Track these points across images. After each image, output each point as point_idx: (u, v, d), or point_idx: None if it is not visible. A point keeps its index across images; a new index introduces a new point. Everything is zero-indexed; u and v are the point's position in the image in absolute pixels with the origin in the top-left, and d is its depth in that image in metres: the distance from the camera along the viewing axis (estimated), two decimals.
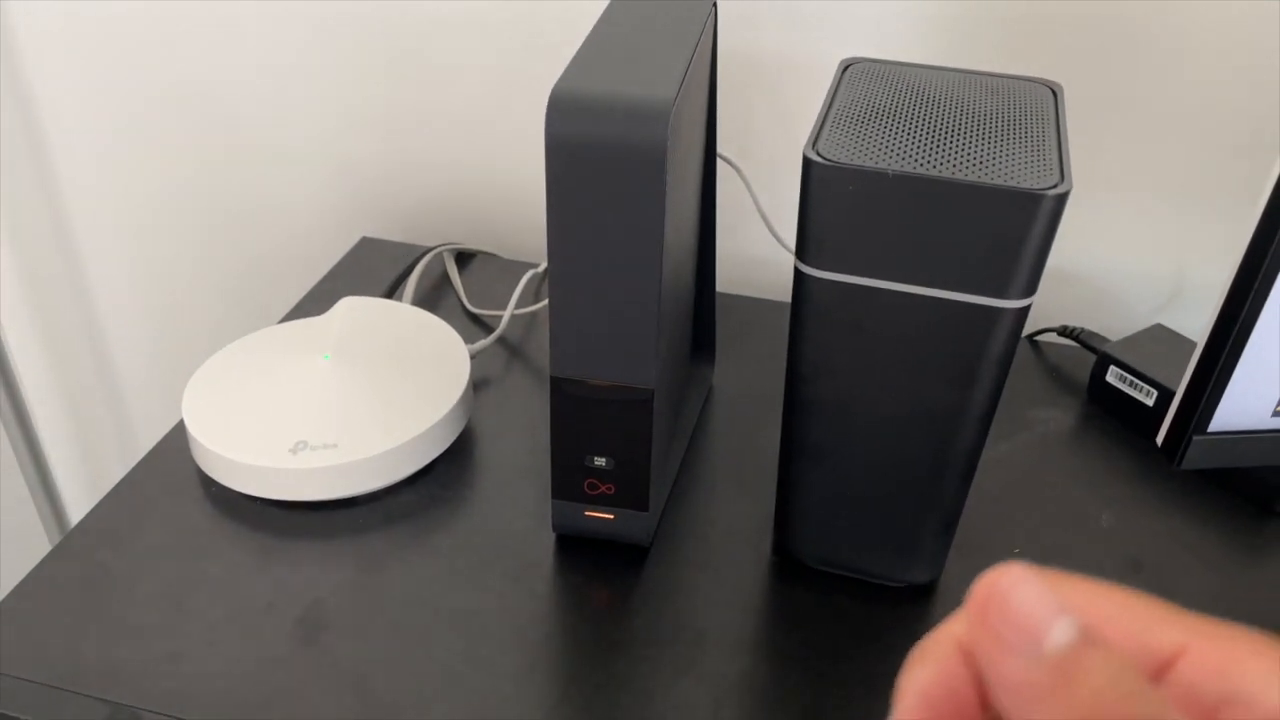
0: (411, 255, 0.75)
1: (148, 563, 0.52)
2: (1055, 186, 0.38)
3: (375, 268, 0.76)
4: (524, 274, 0.73)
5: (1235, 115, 0.66)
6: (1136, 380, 0.61)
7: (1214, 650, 0.18)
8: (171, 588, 0.51)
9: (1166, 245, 0.71)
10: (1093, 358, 0.66)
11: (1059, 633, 0.17)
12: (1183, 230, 0.71)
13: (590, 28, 0.72)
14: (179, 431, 0.59)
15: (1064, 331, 0.69)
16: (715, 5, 0.52)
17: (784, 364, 0.46)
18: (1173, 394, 0.59)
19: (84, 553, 0.52)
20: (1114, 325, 0.73)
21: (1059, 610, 0.17)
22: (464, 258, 0.77)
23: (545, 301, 0.70)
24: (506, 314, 0.68)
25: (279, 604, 0.50)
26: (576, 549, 0.53)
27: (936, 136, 0.41)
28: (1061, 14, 0.65)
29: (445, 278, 0.75)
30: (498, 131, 0.79)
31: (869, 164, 0.39)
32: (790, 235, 0.71)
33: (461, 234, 0.84)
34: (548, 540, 0.54)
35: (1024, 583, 0.17)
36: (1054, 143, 0.41)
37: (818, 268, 0.42)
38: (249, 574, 0.52)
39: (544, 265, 0.75)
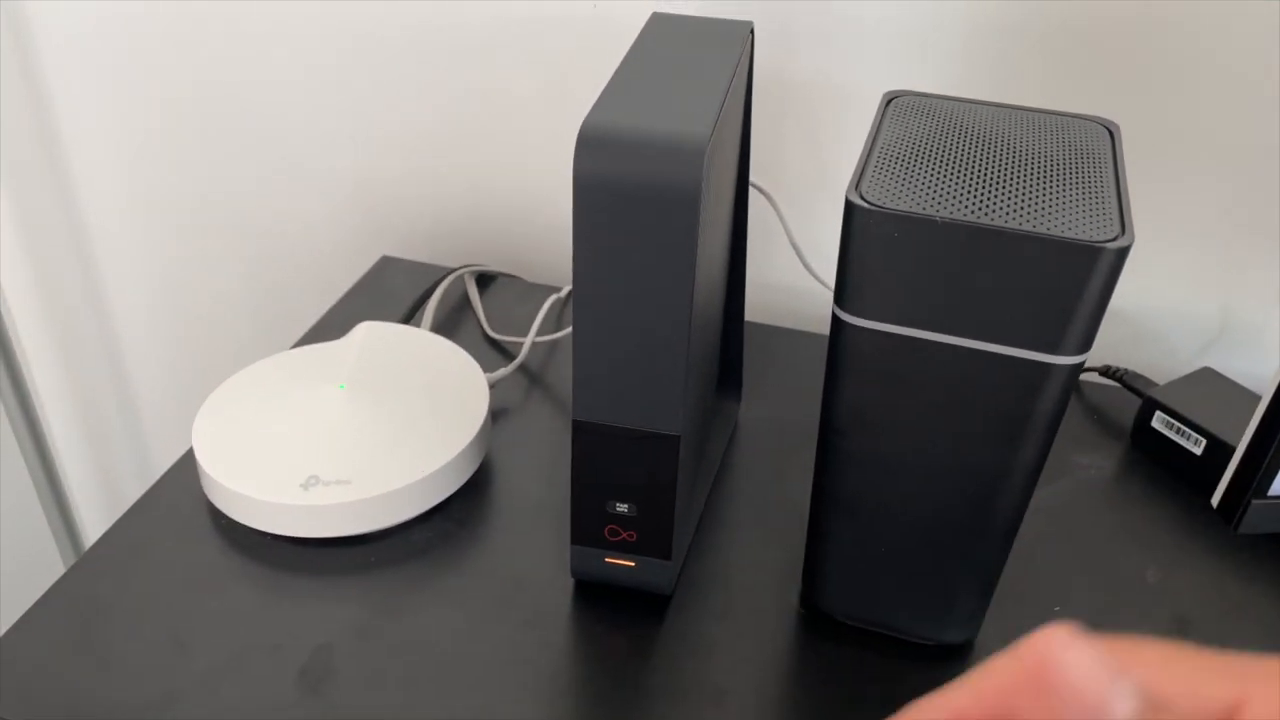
0: (432, 275, 0.73)
1: (150, 599, 0.50)
2: (1115, 239, 0.36)
3: (395, 288, 0.74)
4: (546, 299, 0.71)
5: None
6: (1184, 428, 0.58)
7: (1275, 694, 0.17)
8: (173, 626, 0.49)
9: (1212, 284, 0.69)
10: (1136, 399, 0.63)
11: (1122, 703, 0.16)
12: (1229, 269, 0.68)
13: (618, 50, 0.70)
14: (190, 459, 0.58)
15: (1106, 372, 0.66)
16: (753, 30, 0.50)
17: (814, 398, 0.44)
18: (1222, 443, 0.57)
19: (85, 587, 0.51)
20: (1155, 364, 0.71)
21: (1117, 675, 0.16)
22: (485, 279, 0.75)
23: (568, 329, 0.68)
24: (527, 341, 0.66)
25: (285, 646, 0.48)
26: (595, 596, 0.51)
27: (986, 180, 0.39)
28: (1106, 47, 0.62)
29: (466, 300, 0.73)
30: (522, 151, 0.77)
31: (915, 209, 0.37)
32: (821, 265, 0.69)
33: (483, 254, 0.82)
34: (565, 585, 0.52)
35: (1076, 648, 0.16)
36: (1113, 189, 0.39)
37: (858, 316, 0.40)
38: (254, 613, 0.50)
39: (566, 289, 0.73)
